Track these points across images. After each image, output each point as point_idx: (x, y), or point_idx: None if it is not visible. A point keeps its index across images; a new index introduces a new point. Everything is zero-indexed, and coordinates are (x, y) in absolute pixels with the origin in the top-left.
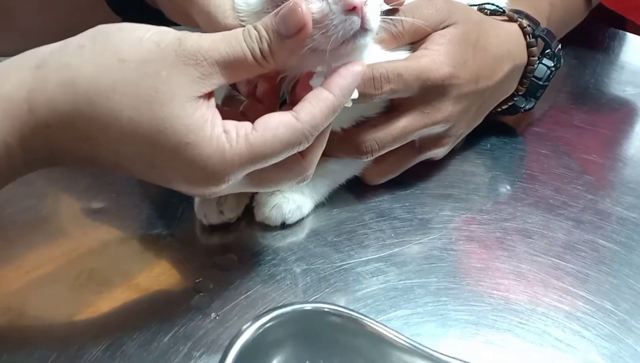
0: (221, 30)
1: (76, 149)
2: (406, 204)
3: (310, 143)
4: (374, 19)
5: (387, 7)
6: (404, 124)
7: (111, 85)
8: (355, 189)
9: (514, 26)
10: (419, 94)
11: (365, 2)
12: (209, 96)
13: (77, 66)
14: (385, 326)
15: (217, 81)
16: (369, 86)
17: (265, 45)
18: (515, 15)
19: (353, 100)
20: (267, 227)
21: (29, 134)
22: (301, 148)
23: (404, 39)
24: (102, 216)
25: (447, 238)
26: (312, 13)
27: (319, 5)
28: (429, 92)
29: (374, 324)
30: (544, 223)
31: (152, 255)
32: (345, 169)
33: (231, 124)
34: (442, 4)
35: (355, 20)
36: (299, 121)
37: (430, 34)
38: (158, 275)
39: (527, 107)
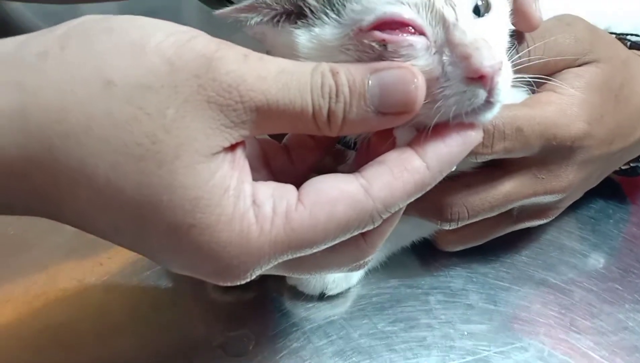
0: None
1: (29, 202)
2: (485, 286)
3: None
4: (506, 88)
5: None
6: (509, 190)
7: (85, 123)
8: (420, 252)
9: None
10: (537, 154)
11: (500, 67)
12: (233, 146)
13: (31, 89)
14: None
15: (245, 133)
16: None
17: (340, 107)
18: None
19: None
20: (299, 295)
21: None
22: (364, 230)
23: (525, 73)
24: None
25: (537, 350)
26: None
27: (427, 61)
28: (550, 153)
29: None
30: None
31: (146, 323)
32: (414, 231)
33: (266, 191)
34: (583, 33)
35: (480, 93)
36: (370, 198)
37: (561, 70)
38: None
39: None
